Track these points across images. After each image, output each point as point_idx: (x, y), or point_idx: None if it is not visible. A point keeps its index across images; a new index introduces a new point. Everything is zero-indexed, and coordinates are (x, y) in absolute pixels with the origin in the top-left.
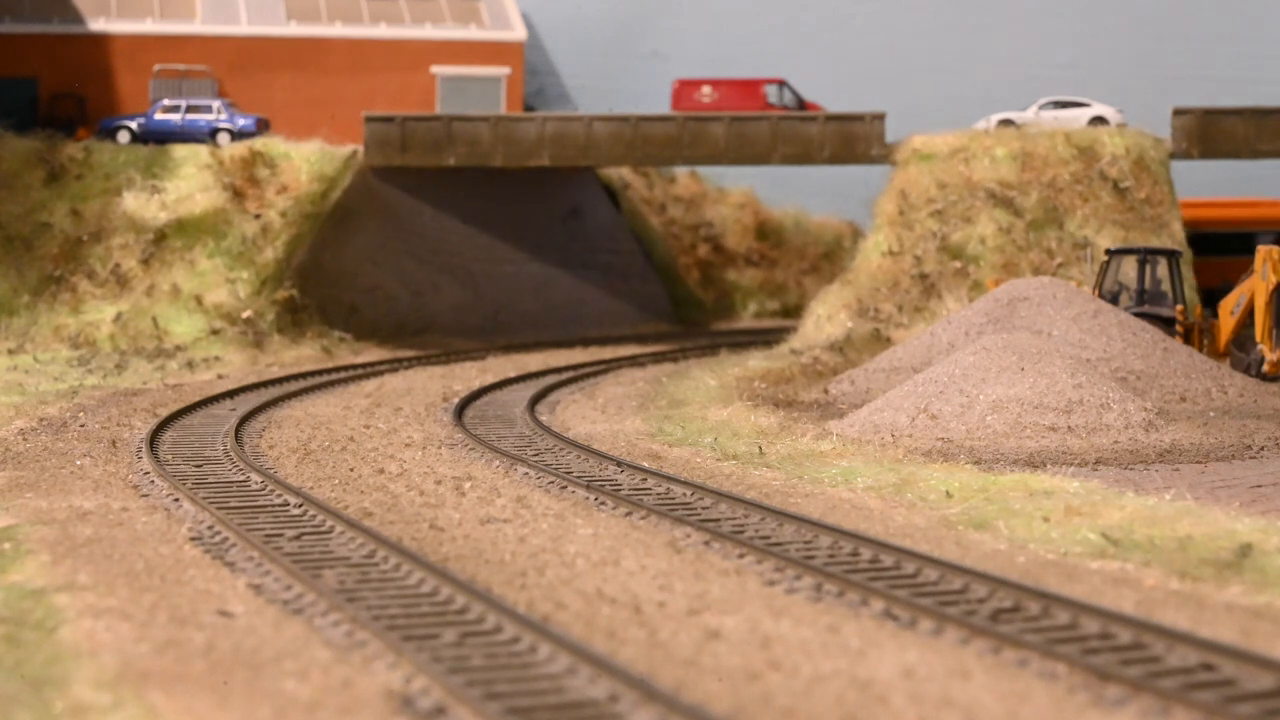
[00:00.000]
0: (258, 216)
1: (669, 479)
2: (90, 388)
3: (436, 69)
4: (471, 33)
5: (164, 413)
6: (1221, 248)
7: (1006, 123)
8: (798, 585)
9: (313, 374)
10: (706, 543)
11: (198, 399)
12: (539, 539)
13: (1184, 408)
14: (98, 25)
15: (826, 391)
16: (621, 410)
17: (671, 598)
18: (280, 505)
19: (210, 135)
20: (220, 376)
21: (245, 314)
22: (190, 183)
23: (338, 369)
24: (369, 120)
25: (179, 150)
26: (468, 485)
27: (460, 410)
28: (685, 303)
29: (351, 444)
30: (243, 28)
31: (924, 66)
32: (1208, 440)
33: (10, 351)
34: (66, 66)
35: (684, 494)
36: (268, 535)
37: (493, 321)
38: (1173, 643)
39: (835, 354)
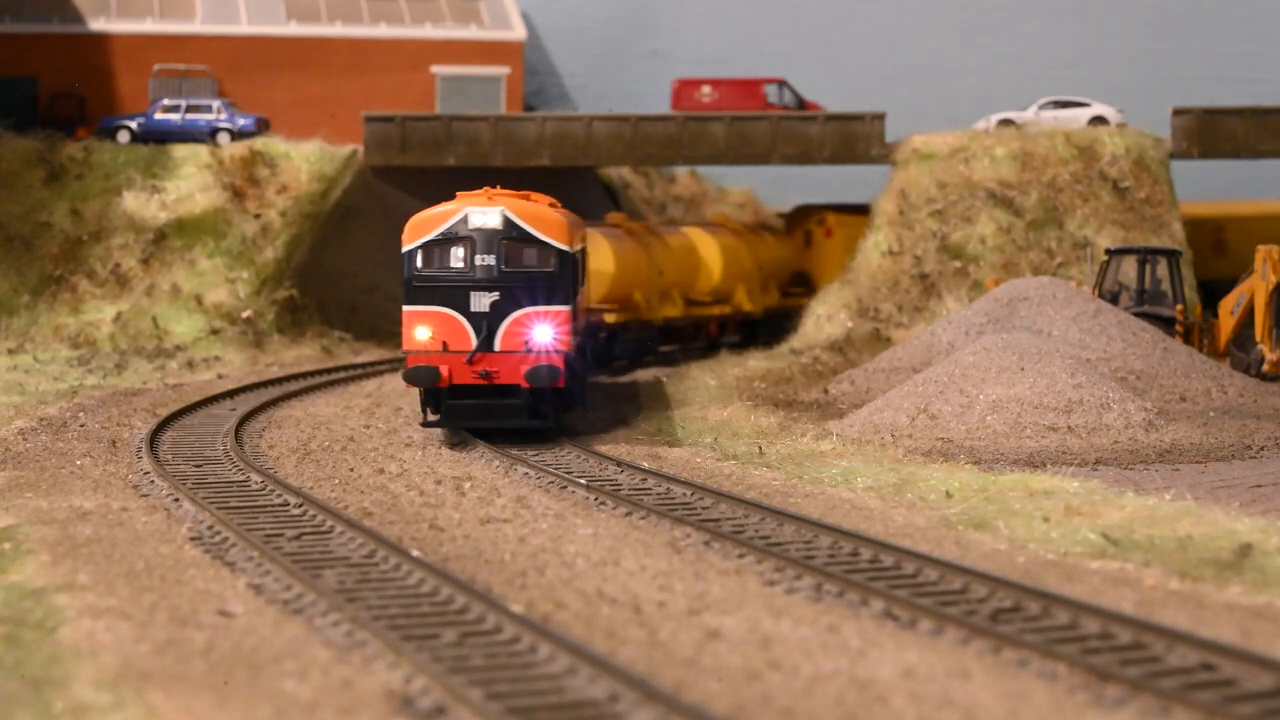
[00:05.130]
0: (258, 216)
1: (669, 479)
2: (90, 388)
3: (436, 69)
4: (471, 32)
5: (164, 413)
6: None
7: (1006, 123)
8: (798, 585)
9: (313, 374)
10: (706, 543)
11: (198, 399)
12: (539, 539)
13: (1184, 408)
14: (98, 25)
15: (826, 391)
16: (622, 410)
17: (671, 598)
18: (280, 505)
19: (210, 135)
20: (220, 376)
21: (245, 314)
22: (190, 183)
23: (338, 369)
24: (369, 120)
25: (179, 150)
26: (468, 485)
27: None
28: None
29: (351, 444)
30: (243, 27)
31: (924, 66)
32: (1208, 440)
33: (10, 351)
34: (66, 66)
35: (684, 494)
36: (268, 535)
37: None
38: (1173, 643)
39: (835, 354)
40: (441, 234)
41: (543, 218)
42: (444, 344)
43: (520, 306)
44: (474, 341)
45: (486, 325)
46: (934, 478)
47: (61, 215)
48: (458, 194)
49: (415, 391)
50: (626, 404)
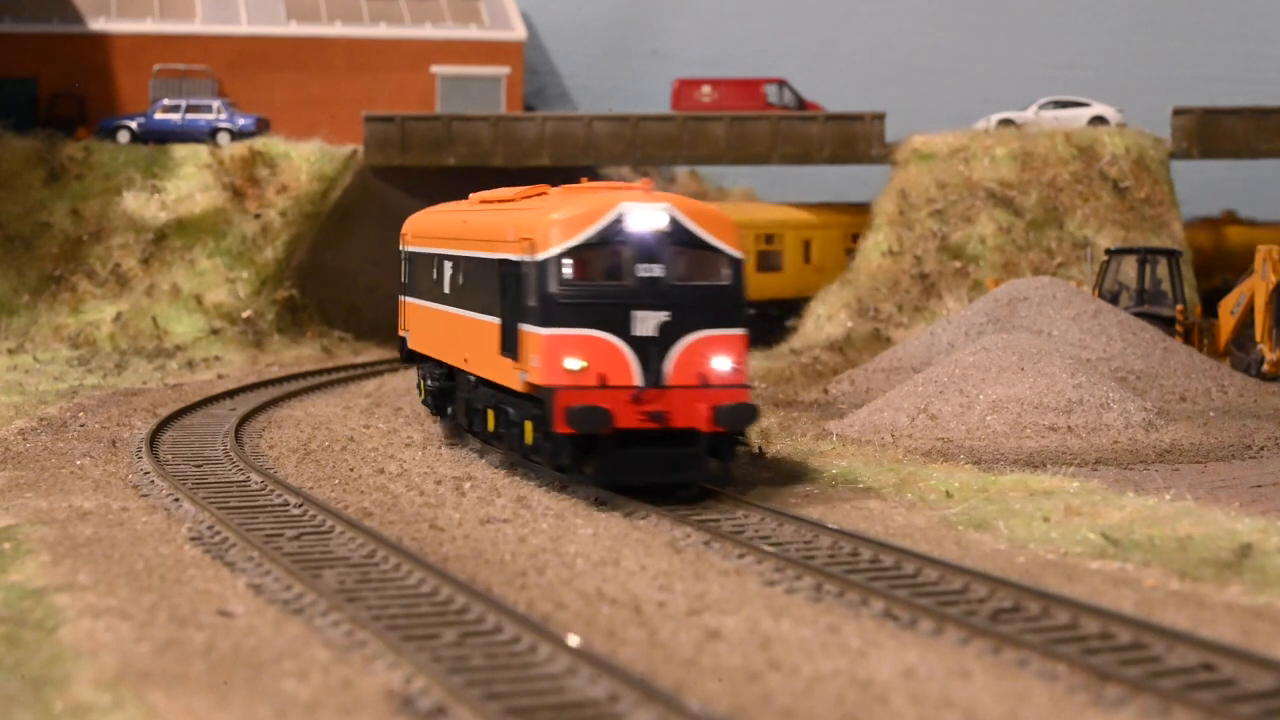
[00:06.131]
0: (258, 216)
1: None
2: (90, 388)
3: (436, 69)
4: (471, 32)
5: (164, 412)
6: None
7: (1006, 123)
8: (798, 585)
9: (313, 374)
10: (706, 543)
11: (198, 399)
12: (539, 539)
13: (1184, 408)
14: (98, 25)
15: (826, 391)
16: None
17: (671, 598)
18: (280, 505)
19: (210, 135)
20: (220, 376)
21: (245, 314)
22: (190, 182)
23: (338, 369)
24: (369, 120)
25: (179, 150)
26: (468, 485)
27: None
28: None
29: (351, 444)
30: (243, 27)
31: (924, 66)
32: (1208, 440)
33: (10, 351)
34: (66, 66)
35: (684, 494)
36: (268, 535)
37: None
38: (1173, 643)
39: (835, 354)
40: (594, 237)
41: (712, 218)
42: (601, 377)
43: (694, 329)
44: (637, 374)
45: (654, 353)
46: (934, 478)
47: (61, 215)
48: (555, 186)
49: (415, 392)
50: None
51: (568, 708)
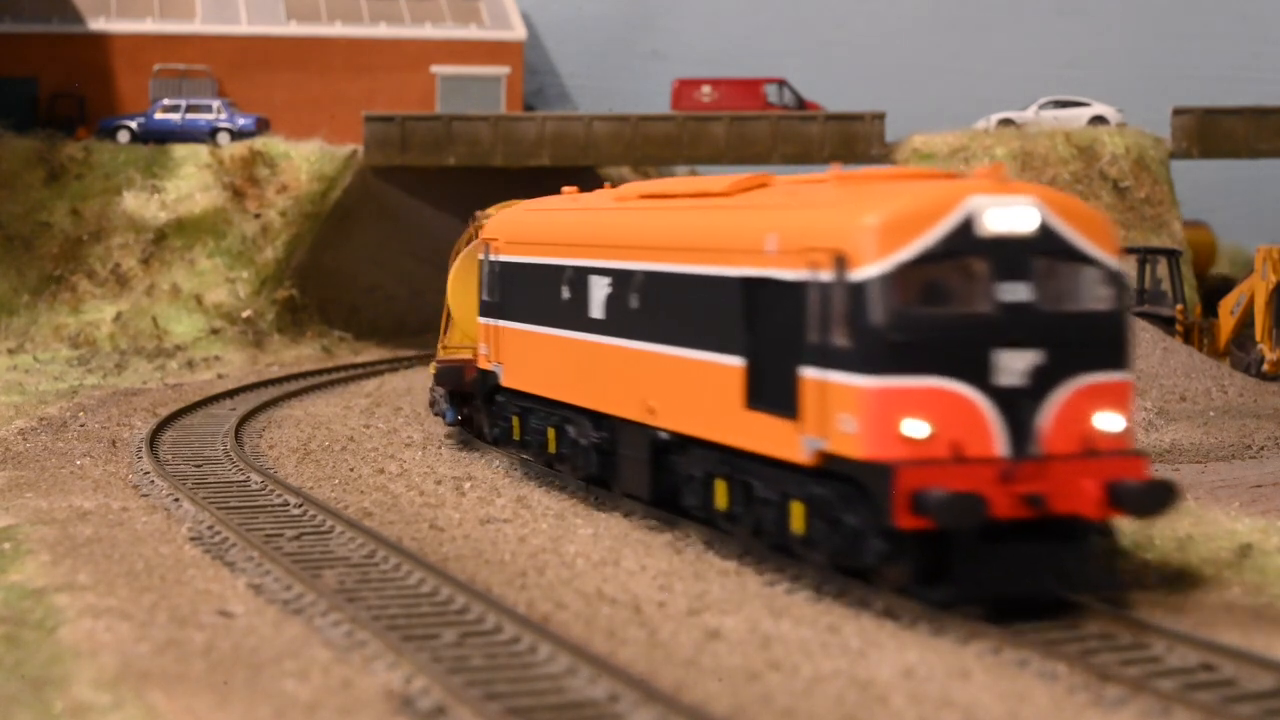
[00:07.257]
0: (258, 216)
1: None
2: (90, 387)
3: (436, 69)
4: (471, 32)
5: (164, 412)
6: None
7: (1006, 122)
8: (798, 585)
9: (313, 374)
10: (707, 543)
11: (197, 399)
12: (539, 539)
13: (1184, 408)
14: (98, 25)
15: None
16: None
17: (671, 598)
18: (280, 505)
19: (210, 135)
20: (220, 376)
21: (245, 313)
22: (190, 182)
23: (338, 369)
24: (369, 120)
25: (179, 150)
26: (468, 485)
27: None
28: None
29: (351, 444)
30: (243, 27)
31: (924, 66)
32: (1208, 440)
33: (10, 351)
34: (66, 66)
35: None
36: (268, 535)
37: None
38: (1173, 643)
39: None
40: (936, 247)
41: (1087, 217)
42: (954, 446)
43: (1074, 374)
44: (1002, 440)
45: (1025, 409)
46: None
47: (61, 215)
48: (782, 176)
49: (415, 391)
50: None
51: (568, 708)
